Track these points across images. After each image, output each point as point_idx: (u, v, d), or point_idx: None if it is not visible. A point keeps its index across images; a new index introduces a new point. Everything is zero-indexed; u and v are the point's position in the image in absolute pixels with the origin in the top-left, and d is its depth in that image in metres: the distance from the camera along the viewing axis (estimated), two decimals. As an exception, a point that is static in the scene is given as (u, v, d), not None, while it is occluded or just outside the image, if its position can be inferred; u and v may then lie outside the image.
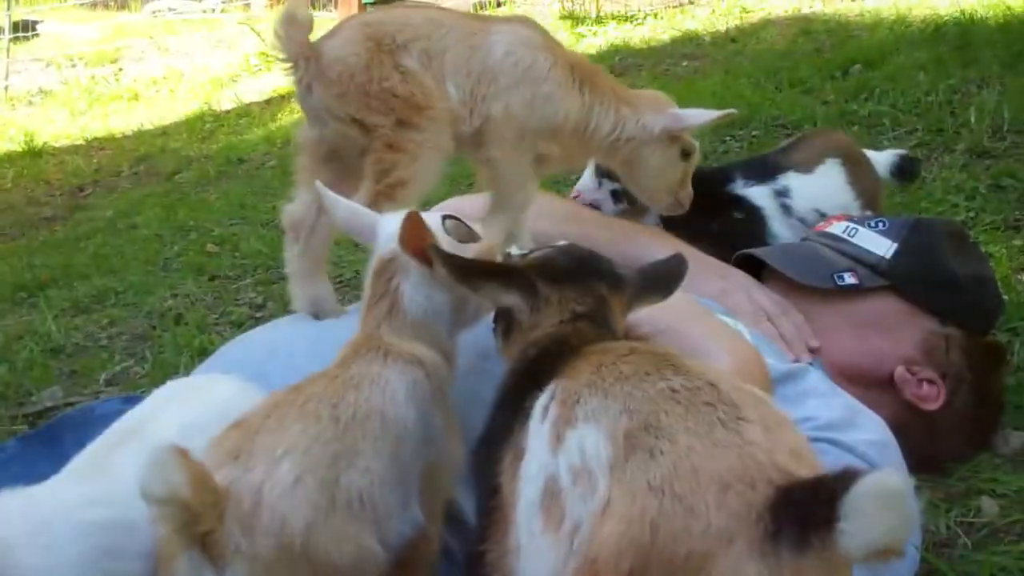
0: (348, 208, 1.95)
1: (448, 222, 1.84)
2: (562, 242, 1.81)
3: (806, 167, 3.15)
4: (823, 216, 3.01)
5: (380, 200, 2.20)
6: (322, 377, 1.66)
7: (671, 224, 2.82)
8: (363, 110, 2.22)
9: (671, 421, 1.21)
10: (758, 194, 3.06)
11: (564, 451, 1.25)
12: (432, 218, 1.80)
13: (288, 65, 2.23)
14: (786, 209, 3.06)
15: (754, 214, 3.00)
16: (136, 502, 1.37)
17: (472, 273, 1.64)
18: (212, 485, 1.37)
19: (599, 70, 2.48)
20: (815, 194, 3.10)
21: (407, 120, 2.22)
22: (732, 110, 2.64)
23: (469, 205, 2.94)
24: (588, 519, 1.17)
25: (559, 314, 1.61)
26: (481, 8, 9.91)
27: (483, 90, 2.30)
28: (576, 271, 1.67)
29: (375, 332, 1.75)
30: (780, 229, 2.97)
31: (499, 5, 10.33)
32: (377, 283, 1.79)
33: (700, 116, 2.48)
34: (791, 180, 3.11)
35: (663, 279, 1.77)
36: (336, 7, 10.29)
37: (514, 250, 1.86)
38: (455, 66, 2.28)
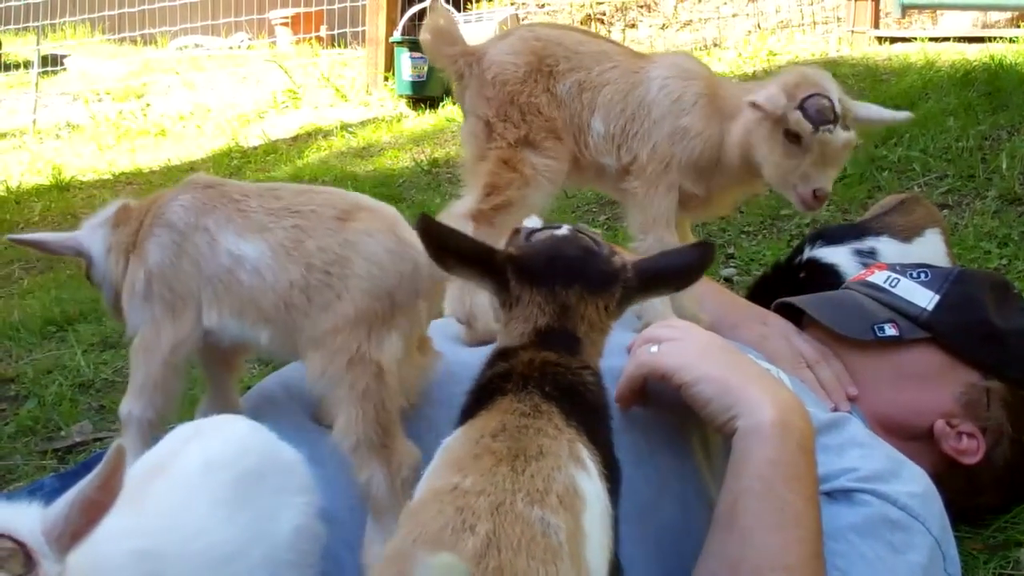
0: None
1: None
2: (565, 229, 1.66)
3: (904, 235, 3.11)
4: None
5: (479, 222, 2.21)
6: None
7: None
8: (500, 116, 2.25)
9: None
10: (829, 253, 3.05)
11: None
12: None
13: (450, 74, 2.31)
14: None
15: (819, 272, 3.00)
16: (169, 533, 1.49)
17: (447, 254, 1.58)
18: None
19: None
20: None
21: (536, 141, 2.24)
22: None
23: None
24: None
25: (523, 323, 1.56)
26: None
27: (635, 126, 2.28)
28: (546, 271, 1.57)
29: None
30: None
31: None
32: None
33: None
34: (882, 244, 3.08)
35: (677, 270, 1.68)
36: (363, 44, 10.37)
37: (533, 222, 1.78)
38: (611, 100, 2.28)
